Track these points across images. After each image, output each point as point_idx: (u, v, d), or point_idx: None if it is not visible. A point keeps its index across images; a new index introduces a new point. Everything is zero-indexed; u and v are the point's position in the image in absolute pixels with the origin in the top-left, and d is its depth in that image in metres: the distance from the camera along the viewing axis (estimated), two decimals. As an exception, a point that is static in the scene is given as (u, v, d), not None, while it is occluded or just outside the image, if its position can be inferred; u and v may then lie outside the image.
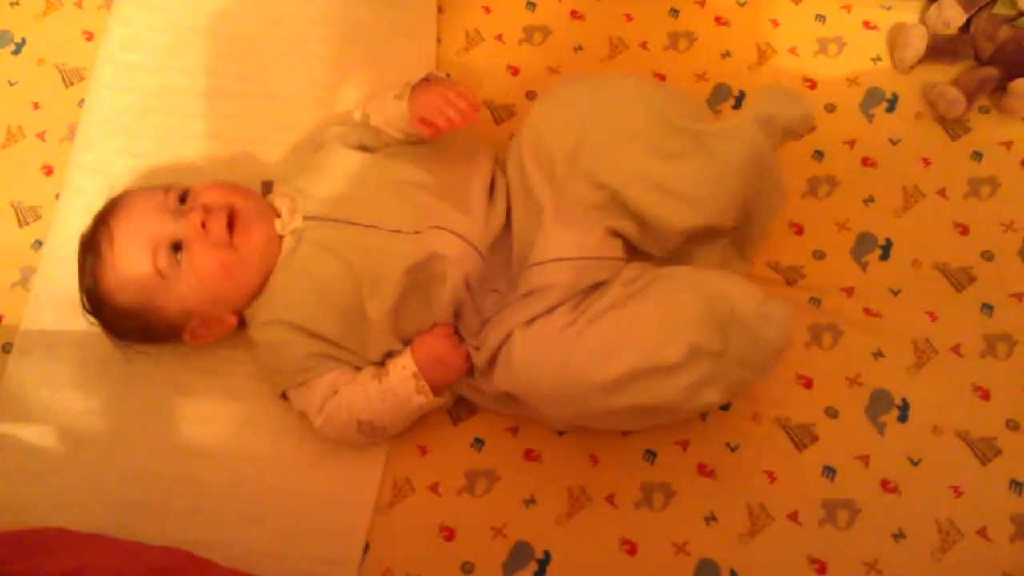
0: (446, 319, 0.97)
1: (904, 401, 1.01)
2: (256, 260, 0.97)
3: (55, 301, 1.08)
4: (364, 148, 1.04)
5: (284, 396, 1.00)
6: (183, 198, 0.97)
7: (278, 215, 0.99)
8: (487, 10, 1.22)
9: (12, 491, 1.01)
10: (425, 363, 0.95)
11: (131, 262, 0.95)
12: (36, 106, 1.20)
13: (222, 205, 0.96)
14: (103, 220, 0.98)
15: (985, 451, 0.99)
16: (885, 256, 1.07)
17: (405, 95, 0.99)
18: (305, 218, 0.98)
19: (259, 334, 0.98)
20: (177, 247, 0.94)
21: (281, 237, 0.98)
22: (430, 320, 0.97)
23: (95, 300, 0.98)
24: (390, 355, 0.98)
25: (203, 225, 0.94)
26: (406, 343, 0.98)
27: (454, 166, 1.01)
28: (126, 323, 0.98)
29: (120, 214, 0.97)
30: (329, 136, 1.05)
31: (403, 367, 0.95)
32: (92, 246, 0.97)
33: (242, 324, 1.01)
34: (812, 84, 1.16)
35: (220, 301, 0.98)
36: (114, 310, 0.97)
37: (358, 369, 0.98)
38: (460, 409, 1.03)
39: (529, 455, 1.01)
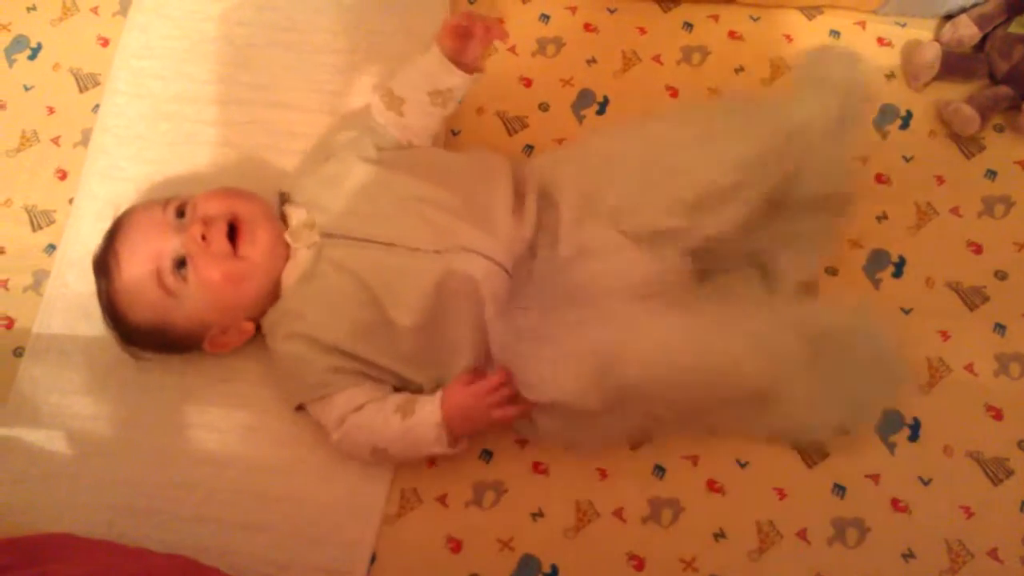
0: (479, 343, 0.95)
1: (915, 420, 1.00)
2: (264, 266, 0.97)
3: (67, 306, 1.09)
4: (378, 151, 1.02)
5: (300, 408, 0.99)
6: (182, 211, 0.97)
7: (286, 225, 0.99)
8: (500, 21, 1.21)
9: (20, 494, 1.01)
10: (453, 415, 0.92)
11: (138, 283, 0.95)
12: (51, 111, 1.21)
13: (221, 214, 0.96)
14: (109, 242, 0.98)
15: (997, 472, 0.98)
16: (898, 274, 1.07)
17: (431, 47, 1.01)
18: (323, 235, 0.97)
19: (280, 347, 0.98)
20: (182, 263, 0.94)
21: (288, 243, 0.98)
22: (463, 346, 0.95)
23: (113, 320, 0.99)
24: (422, 385, 0.97)
25: (203, 237, 0.94)
26: (438, 376, 0.96)
27: (473, 184, 1.00)
28: (146, 339, 0.99)
29: (123, 235, 0.97)
30: (341, 144, 1.04)
31: (430, 413, 0.93)
32: (102, 269, 0.98)
33: (258, 331, 1.01)
34: (826, 100, 1.16)
35: (232, 310, 0.98)
36: (132, 328, 0.98)
37: (381, 383, 0.97)
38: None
39: (537, 468, 1.01)
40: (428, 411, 0.93)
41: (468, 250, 0.94)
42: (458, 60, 1.01)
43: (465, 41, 1.00)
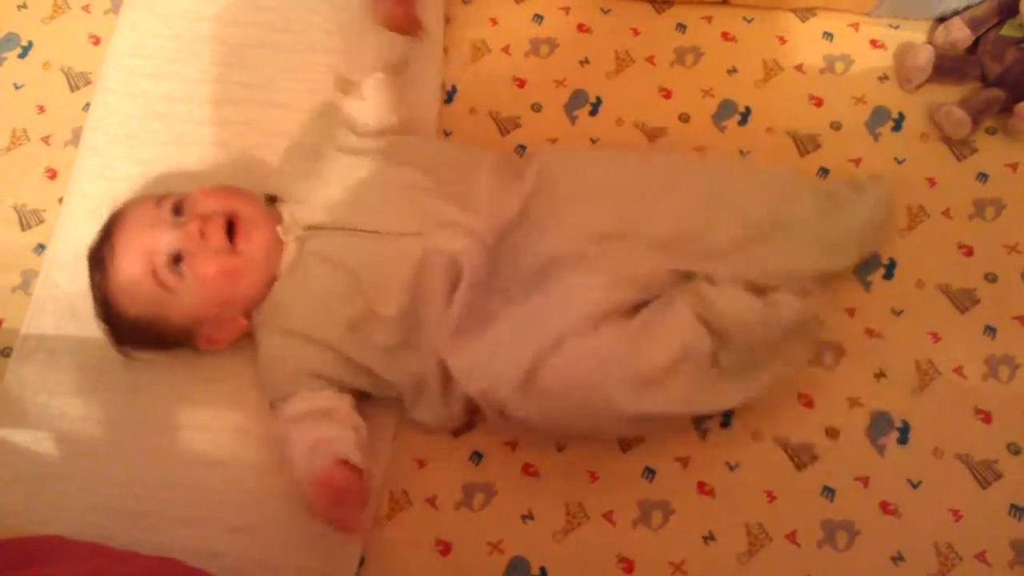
0: (456, 315, 0.94)
1: (904, 423, 1.00)
2: (260, 263, 0.97)
3: (56, 306, 1.08)
4: (358, 138, 1.03)
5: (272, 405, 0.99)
6: (179, 208, 0.97)
7: (280, 220, 0.99)
8: (494, 22, 1.22)
9: (7, 496, 1.01)
10: (319, 483, 0.89)
11: (134, 278, 0.95)
12: (41, 109, 1.20)
13: (219, 211, 0.96)
14: (105, 236, 0.98)
15: (986, 475, 0.98)
16: (888, 276, 1.07)
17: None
18: (307, 228, 0.98)
19: (263, 339, 0.99)
20: (178, 258, 0.94)
21: (283, 241, 0.98)
22: (444, 322, 0.94)
23: (107, 315, 0.98)
24: (393, 385, 0.97)
25: (201, 234, 0.94)
26: (411, 371, 0.96)
27: (455, 167, 1.01)
28: (139, 335, 0.99)
29: (119, 230, 0.97)
30: (319, 140, 1.04)
31: (311, 469, 0.91)
32: (97, 263, 0.98)
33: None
34: (818, 102, 1.15)
35: (228, 306, 0.98)
36: (126, 324, 0.98)
37: (341, 393, 0.97)
38: (459, 422, 1.02)
39: (527, 470, 1.01)
40: (316, 466, 0.91)
41: (449, 224, 0.95)
42: (398, 26, 1.00)
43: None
